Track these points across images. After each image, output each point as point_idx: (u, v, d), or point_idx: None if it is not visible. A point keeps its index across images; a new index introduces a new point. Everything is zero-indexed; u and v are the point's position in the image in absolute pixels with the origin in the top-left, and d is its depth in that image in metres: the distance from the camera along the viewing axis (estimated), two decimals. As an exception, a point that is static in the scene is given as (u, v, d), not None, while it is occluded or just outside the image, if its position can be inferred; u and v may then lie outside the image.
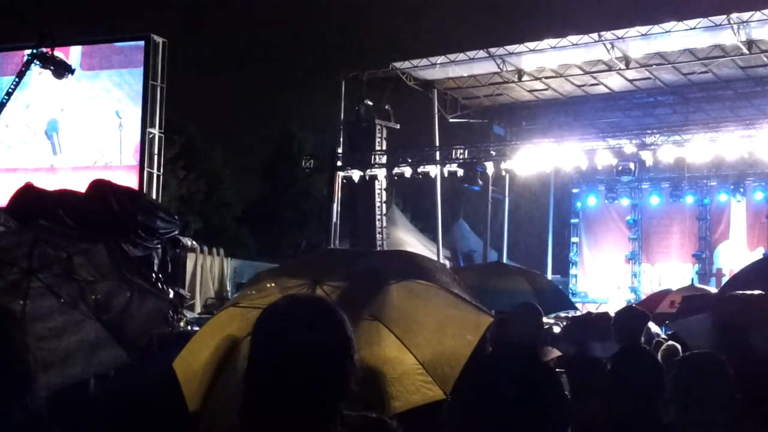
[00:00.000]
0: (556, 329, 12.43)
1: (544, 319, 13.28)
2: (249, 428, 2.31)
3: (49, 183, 18.13)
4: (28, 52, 23.95)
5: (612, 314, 8.48)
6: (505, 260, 27.16)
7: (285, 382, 2.26)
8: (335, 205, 26.52)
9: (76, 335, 5.25)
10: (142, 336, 5.67)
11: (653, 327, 10.27)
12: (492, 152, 25.53)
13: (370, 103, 26.58)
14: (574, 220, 31.46)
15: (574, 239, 31.27)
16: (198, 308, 22.78)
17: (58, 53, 23.93)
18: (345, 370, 2.34)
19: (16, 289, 5.17)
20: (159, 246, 12.93)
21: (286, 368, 2.27)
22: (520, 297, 9.34)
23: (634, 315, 7.55)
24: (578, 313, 14.91)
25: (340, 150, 26.85)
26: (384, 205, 26.88)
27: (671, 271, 28.71)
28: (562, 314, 16.52)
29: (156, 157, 25.63)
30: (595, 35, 23.12)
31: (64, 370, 5.11)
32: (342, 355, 2.35)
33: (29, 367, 2.87)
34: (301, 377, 2.26)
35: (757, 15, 20.95)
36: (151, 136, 25.39)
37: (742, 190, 27.40)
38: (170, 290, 13.40)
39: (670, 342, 8.37)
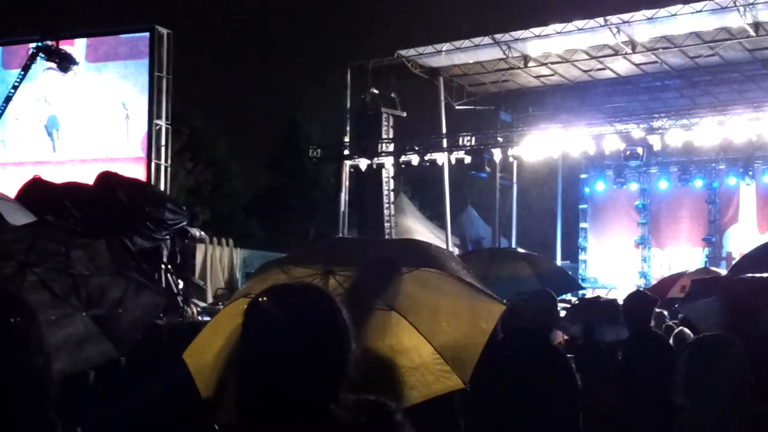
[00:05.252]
0: (562, 313, 12.42)
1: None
2: (245, 424, 2.30)
3: (57, 176, 18.15)
4: (32, 45, 24.00)
5: (620, 300, 8.46)
6: (514, 247, 27.13)
7: (276, 379, 2.24)
8: (343, 194, 26.52)
9: (65, 329, 5.23)
10: (134, 330, 5.65)
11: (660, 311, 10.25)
12: (499, 139, 25.51)
13: (376, 91, 26.54)
14: (582, 206, 31.40)
15: (582, 225, 31.22)
16: (209, 298, 22.85)
17: (63, 46, 23.97)
18: (340, 359, 2.31)
19: (11, 283, 5.16)
20: (167, 237, 12.94)
21: (276, 364, 2.24)
22: (524, 283, 9.32)
23: (643, 300, 7.53)
24: (585, 296, 14.88)
25: (346, 139, 26.83)
26: (392, 194, 26.87)
27: (681, 256, 28.65)
28: (570, 297, 16.50)
29: (163, 148, 25.64)
30: (600, 19, 23.03)
31: (54, 363, 5.11)
32: (336, 344, 2.32)
33: (50, 362, 2.84)
34: (293, 372, 2.24)
35: (764, -4, 20.87)
36: (157, 127, 25.39)
37: (750, 173, 27.37)
38: (180, 281, 13.41)
39: (682, 327, 8.37)
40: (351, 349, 2.34)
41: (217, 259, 26.79)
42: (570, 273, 21.12)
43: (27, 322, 2.79)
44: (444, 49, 25.33)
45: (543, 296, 6.50)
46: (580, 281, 28.51)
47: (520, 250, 20.94)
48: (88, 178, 13.69)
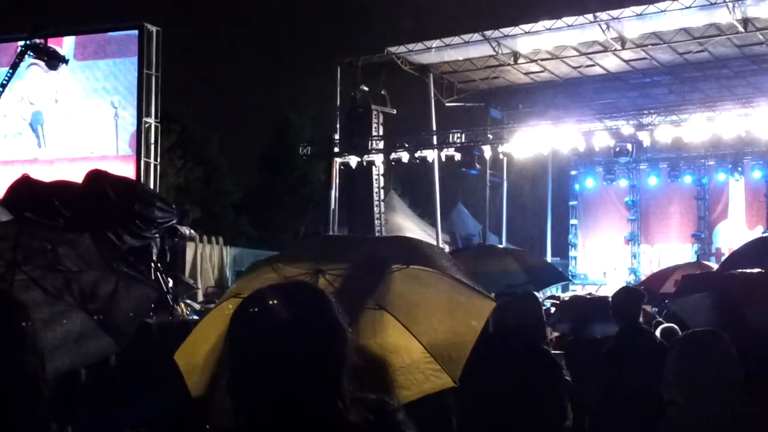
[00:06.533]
0: (553, 310, 12.46)
1: (539, 295, 13.41)
2: (245, 426, 2.26)
3: (46, 174, 18.07)
4: (21, 43, 23.88)
5: (610, 296, 8.47)
6: (504, 244, 27.18)
7: (270, 379, 2.19)
8: (333, 191, 26.50)
9: (62, 326, 5.18)
10: (130, 323, 5.62)
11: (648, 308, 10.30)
12: (489, 135, 25.52)
13: (366, 88, 26.50)
14: (572, 203, 31.44)
15: (573, 221, 31.26)
16: (200, 297, 22.78)
17: (52, 44, 23.88)
18: (336, 354, 2.27)
19: (1, 283, 5.12)
20: (157, 236, 12.89)
21: (271, 364, 2.20)
22: (512, 277, 9.35)
23: (631, 295, 7.55)
24: (575, 293, 14.94)
25: (336, 136, 26.81)
26: (382, 191, 26.86)
27: (671, 252, 28.72)
28: (560, 294, 16.54)
29: (152, 146, 25.57)
30: (590, 16, 23.07)
31: (51, 361, 5.07)
32: (330, 339, 2.28)
33: (42, 359, 2.82)
34: (286, 373, 2.19)
35: (753, -8, 20.92)
36: (147, 125, 25.32)
37: (740, 168, 27.43)
38: (169, 279, 13.37)
39: (669, 323, 8.38)
40: (347, 342, 2.31)
41: (207, 258, 26.71)
42: (557, 267, 21.23)
43: (21, 320, 2.77)
44: (434, 45, 25.33)
45: (528, 300, 6.48)
46: (570, 278, 28.61)
47: (500, 245, 20.97)
48: (78, 176, 13.64)
